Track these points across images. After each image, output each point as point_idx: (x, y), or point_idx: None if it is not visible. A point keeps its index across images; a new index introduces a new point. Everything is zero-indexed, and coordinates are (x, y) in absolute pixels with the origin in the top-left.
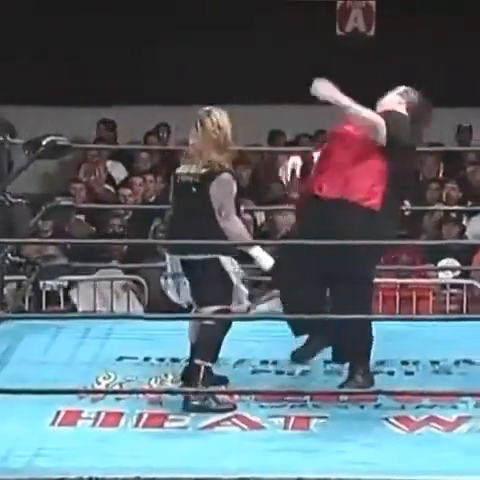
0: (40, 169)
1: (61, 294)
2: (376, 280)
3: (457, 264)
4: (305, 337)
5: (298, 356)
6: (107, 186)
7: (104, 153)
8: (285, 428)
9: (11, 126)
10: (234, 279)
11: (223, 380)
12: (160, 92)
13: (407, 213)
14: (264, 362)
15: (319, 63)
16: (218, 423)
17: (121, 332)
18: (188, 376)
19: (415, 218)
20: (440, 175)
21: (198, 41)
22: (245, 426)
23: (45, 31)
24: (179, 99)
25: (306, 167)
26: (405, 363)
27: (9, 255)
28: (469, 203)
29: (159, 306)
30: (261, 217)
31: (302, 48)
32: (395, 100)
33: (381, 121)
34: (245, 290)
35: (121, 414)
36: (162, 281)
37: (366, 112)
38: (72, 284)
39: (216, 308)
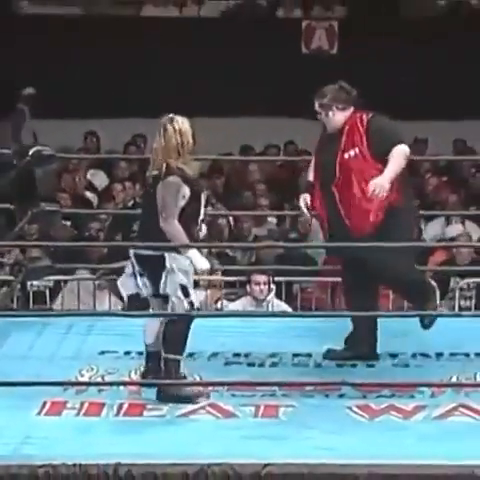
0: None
1: (47, 293)
2: None
3: None
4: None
5: (333, 355)
6: (88, 193)
7: (84, 162)
8: (255, 416)
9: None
10: (178, 275)
11: None
12: (138, 106)
13: None
14: (236, 355)
15: (286, 79)
16: (193, 412)
17: (102, 328)
18: (156, 370)
19: None
20: None
21: (173, 58)
22: (219, 414)
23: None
24: (155, 112)
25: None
26: None
27: None
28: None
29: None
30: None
31: (270, 64)
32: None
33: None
34: (188, 285)
35: (103, 404)
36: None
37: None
38: (57, 284)
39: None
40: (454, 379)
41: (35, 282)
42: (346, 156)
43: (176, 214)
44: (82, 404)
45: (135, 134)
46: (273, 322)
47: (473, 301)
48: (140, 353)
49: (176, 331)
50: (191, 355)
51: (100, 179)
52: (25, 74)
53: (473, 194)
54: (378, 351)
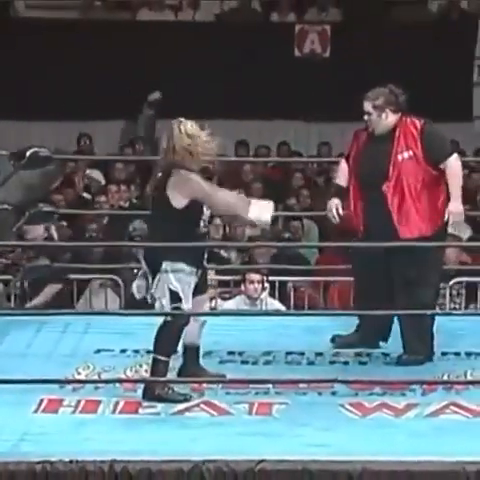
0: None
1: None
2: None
3: None
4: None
5: (339, 342)
6: (85, 194)
7: (82, 164)
8: (250, 413)
9: None
10: (170, 280)
11: None
12: (133, 109)
13: None
14: (231, 353)
15: (279, 81)
16: (188, 409)
17: (98, 327)
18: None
19: None
20: None
21: (168, 61)
22: (213, 412)
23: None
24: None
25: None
26: (359, 354)
27: None
28: None
29: (134, 303)
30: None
31: (264, 67)
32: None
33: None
34: (178, 291)
35: (99, 402)
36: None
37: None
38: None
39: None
40: (445, 377)
41: None
42: (400, 158)
43: (214, 189)
44: (79, 401)
45: (134, 136)
46: (267, 320)
47: (463, 300)
48: (136, 351)
49: (168, 333)
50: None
51: (97, 179)
52: (24, 76)
53: (464, 195)
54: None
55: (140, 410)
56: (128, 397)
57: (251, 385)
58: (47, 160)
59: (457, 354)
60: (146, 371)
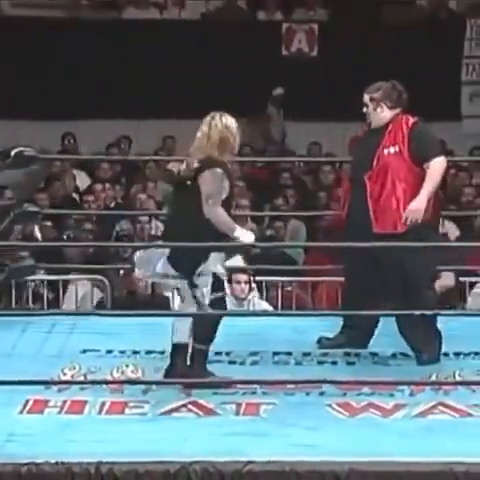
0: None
1: (30, 292)
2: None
3: None
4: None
5: (325, 344)
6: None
7: (67, 163)
8: (237, 414)
9: None
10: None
11: None
12: (120, 107)
13: None
14: (218, 353)
15: (267, 81)
16: (175, 409)
17: (84, 327)
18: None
19: None
20: None
21: (154, 60)
22: (200, 412)
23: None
24: (138, 114)
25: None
26: (347, 354)
27: None
28: None
29: (121, 304)
30: None
31: (251, 67)
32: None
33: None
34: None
35: (85, 402)
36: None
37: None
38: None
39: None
40: (433, 378)
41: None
42: (385, 152)
43: (220, 203)
44: (64, 402)
45: (120, 136)
46: (254, 321)
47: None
48: (122, 351)
49: (205, 322)
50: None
51: (82, 181)
52: (10, 75)
53: (451, 195)
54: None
55: (126, 410)
56: (114, 397)
57: (238, 385)
58: (32, 160)
59: (445, 354)
60: (132, 372)
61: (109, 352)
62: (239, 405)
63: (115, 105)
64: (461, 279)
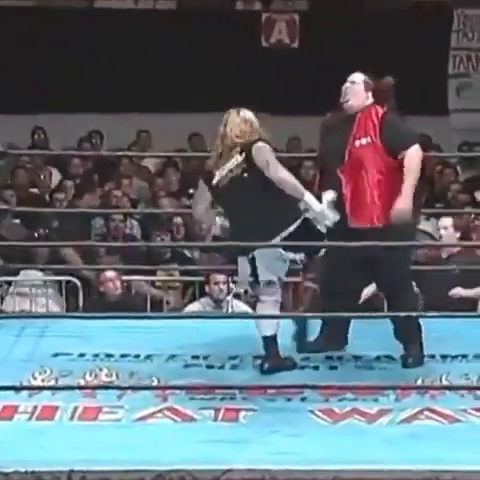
0: None
1: None
2: None
3: None
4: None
5: (304, 347)
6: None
7: (38, 159)
8: (215, 420)
9: None
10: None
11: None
12: (91, 100)
13: None
14: (195, 357)
15: (245, 73)
16: (151, 415)
17: (56, 330)
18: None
19: None
20: None
21: (128, 51)
22: (177, 418)
23: None
24: (111, 107)
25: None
26: (329, 358)
27: None
28: None
29: (93, 306)
30: None
31: (229, 58)
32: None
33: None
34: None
35: (57, 408)
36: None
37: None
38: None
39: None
40: (419, 382)
41: None
42: (357, 143)
43: (281, 166)
44: (35, 408)
45: (91, 130)
46: (233, 323)
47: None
48: (95, 355)
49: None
50: (148, 357)
51: (53, 177)
52: None
53: (439, 192)
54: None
55: (100, 416)
56: (87, 402)
57: (217, 390)
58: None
59: (432, 357)
60: (107, 375)
61: (81, 355)
62: (217, 411)
63: (87, 98)
64: None
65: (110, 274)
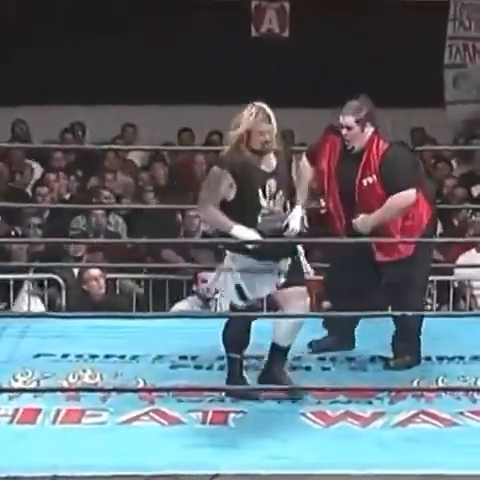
0: None
1: None
2: None
3: None
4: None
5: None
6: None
7: (19, 153)
8: (203, 423)
9: None
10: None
11: None
12: (74, 92)
13: None
14: (183, 357)
15: (234, 63)
16: (137, 418)
17: (38, 330)
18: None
19: None
20: None
21: (111, 43)
22: (164, 421)
23: None
24: (94, 99)
25: None
26: (322, 359)
27: None
28: None
29: (77, 305)
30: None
31: (218, 49)
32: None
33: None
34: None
35: (39, 410)
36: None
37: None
38: None
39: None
40: (415, 384)
41: None
42: (364, 182)
43: (212, 201)
44: (16, 411)
45: (73, 122)
46: (222, 322)
47: (434, 301)
48: (79, 356)
49: (232, 330)
50: (134, 358)
51: (35, 171)
52: None
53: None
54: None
55: (84, 419)
56: (70, 405)
57: (205, 392)
58: None
59: (428, 359)
60: (90, 377)
61: (64, 356)
62: (206, 413)
63: (69, 90)
64: None
65: (94, 272)
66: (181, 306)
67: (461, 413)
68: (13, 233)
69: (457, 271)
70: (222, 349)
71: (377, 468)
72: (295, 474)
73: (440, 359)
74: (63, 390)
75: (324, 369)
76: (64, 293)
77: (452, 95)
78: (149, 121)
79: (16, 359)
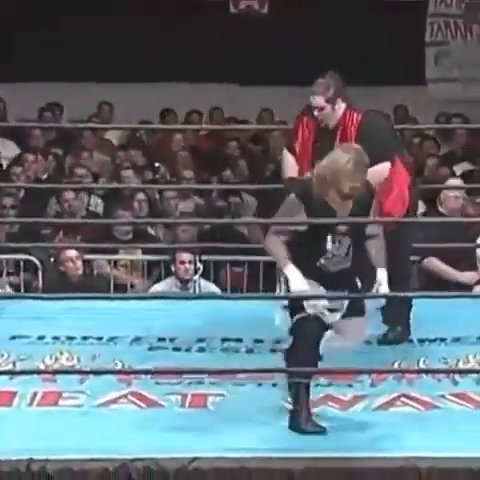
0: None
1: None
2: None
3: None
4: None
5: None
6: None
7: None
8: (182, 406)
9: None
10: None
11: None
12: (50, 68)
13: None
14: (161, 339)
15: (212, 40)
16: (114, 401)
17: (13, 312)
18: None
19: None
20: None
21: (92, 23)
22: (142, 404)
23: None
24: (71, 76)
25: None
26: None
27: None
28: None
29: (53, 286)
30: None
31: (196, 25)
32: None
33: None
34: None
35: (14, 393)
36: None
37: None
38: None
39: None
40: (396, 366)
41: None
42: None
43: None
44: None
45: (50, 102)
46: (200, 304)
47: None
48: (55, 338)
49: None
50: (112, 339)
51: (9, 150)
52: None
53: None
54: None
55: (60, 401)
56: (47, 387)
57: (184, 375)
58: None
59: (409, 341)
60: (67, 359)
61: (41, 338)
62: (184, 396)
63: (45, 67)
64: None
65: (70, 253)
66: (159, 287)
67: (442, 396)
68: None
69: None
70: (200, 331)
71: (357, 451)
72: (274, 457)
73: (421, 341)
74: (39, 372)
75: None
76: (41, 274)
77: (433, 73)
78: (126, 99)
79: None
